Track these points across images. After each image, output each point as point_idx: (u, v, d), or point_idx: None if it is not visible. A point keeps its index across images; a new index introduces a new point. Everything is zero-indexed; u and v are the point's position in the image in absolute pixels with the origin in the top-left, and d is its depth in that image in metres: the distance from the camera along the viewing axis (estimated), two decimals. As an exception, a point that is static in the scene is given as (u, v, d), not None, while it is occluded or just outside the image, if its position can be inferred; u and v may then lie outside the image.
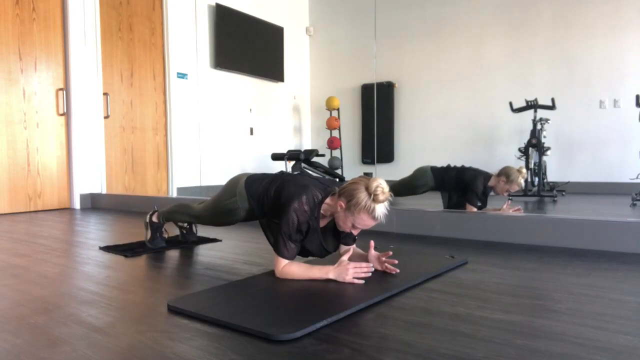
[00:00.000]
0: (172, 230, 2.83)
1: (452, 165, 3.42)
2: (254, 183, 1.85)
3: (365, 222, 1.59)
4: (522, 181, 3.17)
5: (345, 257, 1.66)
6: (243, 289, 1.57)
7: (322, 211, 1.68)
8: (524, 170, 3.19)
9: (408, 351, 1.09)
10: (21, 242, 2.67)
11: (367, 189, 1.56)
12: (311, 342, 1.15)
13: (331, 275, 1.62)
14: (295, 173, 1.86)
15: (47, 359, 1.07)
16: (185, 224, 2.53)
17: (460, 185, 3.27)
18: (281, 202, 1.68)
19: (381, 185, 1.56)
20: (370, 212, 1.56)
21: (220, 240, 2.66)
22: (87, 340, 1.18)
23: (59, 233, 2.99)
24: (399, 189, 3.58)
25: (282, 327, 1.20)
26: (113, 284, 1.73)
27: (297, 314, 1.29)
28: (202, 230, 2.97)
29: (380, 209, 1.57)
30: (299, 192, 1.64)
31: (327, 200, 1.67)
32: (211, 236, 2.77)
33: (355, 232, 1.68)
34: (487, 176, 3.25)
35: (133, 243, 2.52)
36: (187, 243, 2.50)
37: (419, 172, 3.50)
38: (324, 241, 1.75)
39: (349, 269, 1.61)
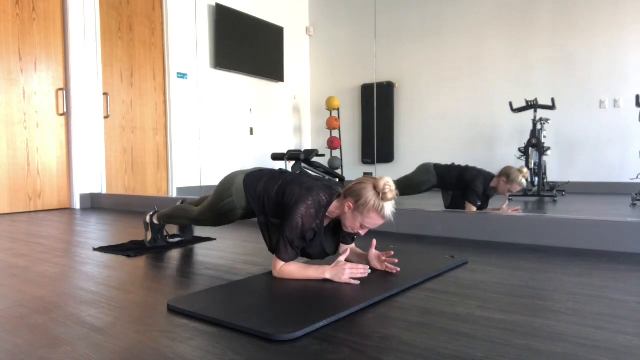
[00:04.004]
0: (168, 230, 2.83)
1: (456, 164, 3.40)
2: (252, 182, 1.80)
3: (374, 221, 1.58)
4: (523, 180, 3.14)
5: (342, 258, 1.66)
6: (243, 289, 1.56)
7: (327, 214, 1.66)
8: (525, 170, 3.17)
9: (408, 351, 1.09)
10: (21, 242, 2.67)
11: (375, 187, 1.55)
12: (311, 342, 1.15)
13: (327, 275, 1.61)
14: (297, 172, 1.82)
15: (47, 359, 1.07)
16: (184, 225, 2.53)
17: (461, 185, 3.26)
18: (284, 205, 1.65)
19: (389, 184, 1.55)
20: (380, 211, 1.56)
21: (215, 239, 2.66)
22: (87, 340, 1.18)
23: (59, 233, 2.99)
24: (402, 186, 3.53)
25: (282, 327, 1.20)
26: (113, 284, 1.73)
27: (297, 314, 1.29)
28: (197, 230, 2.97)
29: (389, 208, 1.56)
30: (304, 195, 1.62)
31: (334, 202, 1.65)
32: (205, 235, 2.77)
33: (362, 233, 1.66)
34: (488, 177, 3.24)
35: (127, 243, 2.51)
36: (184, 243, 2.50)
37: (423, 169, 3.44)
38: (325, 243, 1.73)
39: (345, 269, 1.60)
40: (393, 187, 1.56)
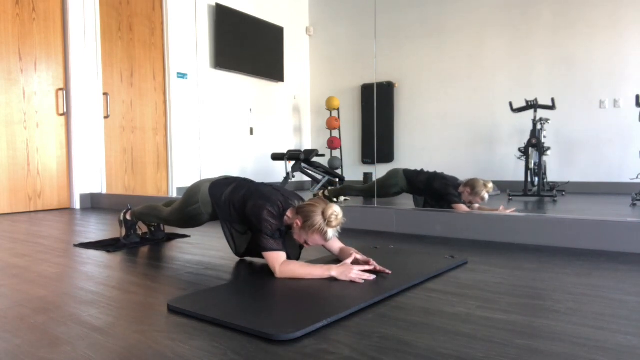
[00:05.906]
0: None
1: (425, 170, 3.50)
2: (217, 190, 1.97)
3: (317, 241, 1.72)
4: (486, 195, 3.18)
5: (348, 261, 1.73)
6: (243, 289, 1.57)
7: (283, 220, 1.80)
8: (490, 185, 3.21)
9: (408, 351, 1.09)
10: (21, 242, 2.67)
11: (323, 214, 1.67)
12: (311, 342, 1.15)
13: (333, 273, 1.66)
14: (259, 182, 2.00)
15: (47, 359, 1.07)
16: (154, 223, 2.64)
17: (430, 191, 3.34)
18: (247, 213, 1.79)
19: (336, 213, 1.68)
20: (323, 235, 1.68)
21: (189, 236, 2.75)
22: (87, 340, 1.18)
23: (59, 233, 2.99)
24: (374, 189, 3.70)
25: (282, 327, 1.20)
26: (113, 284, 1.73)
27: (297, 314, 1.29)
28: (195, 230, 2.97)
29: (332, 232, 1.70)
30: (263, 204, 1.75)
31: (288, 212, 1.78)
32: (194, 233, 2.78)
33: (306, 246, 1.79)
34: (455, 184, 3.29)
35: (106, 240, 2.64)
36: (156, 240, 2.61)
37: (392, 173, 3.61)
38: (287, 247, 1.86)
39: (353, 269, 1.66)
40: (340, 215, 1.69)
